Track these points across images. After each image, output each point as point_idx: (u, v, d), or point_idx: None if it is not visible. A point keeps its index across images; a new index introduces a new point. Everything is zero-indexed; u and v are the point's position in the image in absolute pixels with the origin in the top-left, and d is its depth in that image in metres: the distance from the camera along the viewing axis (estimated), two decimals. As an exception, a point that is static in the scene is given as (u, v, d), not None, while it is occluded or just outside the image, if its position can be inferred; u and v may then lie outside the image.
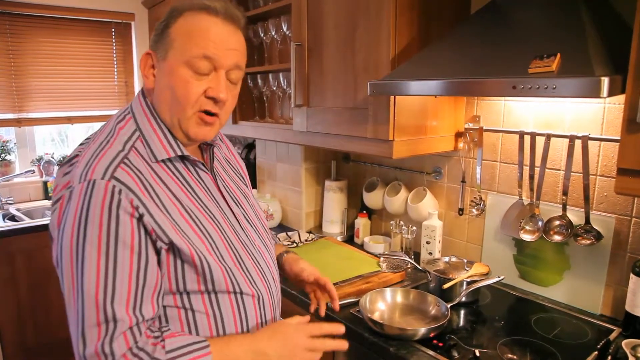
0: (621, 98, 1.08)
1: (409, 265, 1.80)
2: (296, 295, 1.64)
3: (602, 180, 1.46)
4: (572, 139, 1.45)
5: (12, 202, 2.96)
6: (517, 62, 1.13)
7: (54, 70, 3.12)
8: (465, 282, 1.55)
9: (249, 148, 2.84)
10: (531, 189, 1.58)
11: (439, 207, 1.94)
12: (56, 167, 3.15)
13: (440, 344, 1.32)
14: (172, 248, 0.88)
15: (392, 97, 1.51)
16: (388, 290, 1.55)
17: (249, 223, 1.08)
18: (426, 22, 1.58)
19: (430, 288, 1.62)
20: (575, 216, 1.50)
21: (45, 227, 2.60)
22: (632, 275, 1.34)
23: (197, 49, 0.90)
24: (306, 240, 2.16)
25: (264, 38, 2.25)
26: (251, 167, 2.69)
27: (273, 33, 2.18)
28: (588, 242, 1.46)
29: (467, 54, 1.33)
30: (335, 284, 1.63)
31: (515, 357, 1.28)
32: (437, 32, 1.61)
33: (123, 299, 0.82)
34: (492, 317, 1.50)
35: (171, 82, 0.92)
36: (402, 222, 2.01)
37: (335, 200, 2.28)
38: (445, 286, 1.53)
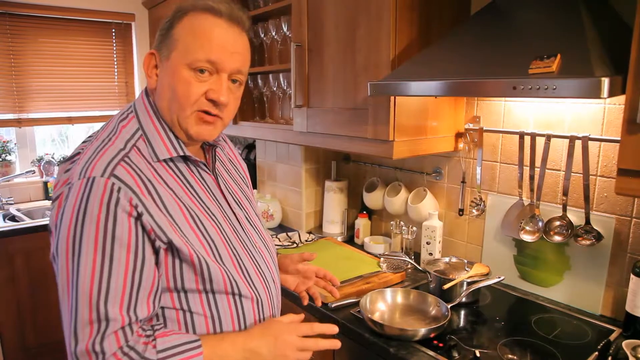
0: (621, 98, 1.08)
1: (409, 266, 1.80)
2: (297, 297, 1.64)
3: (602, 180, 1.46)
4: (572, 139, 1.45)
5: (13, 202, 2.96)
6: (517, 62, 1.13)
7: (55, 71, 3.12)
8: (465, 283, 1.55)
9: (249, 148, 2.85)
10: (531, 190, 1.58)
11: (439, 207, 1.94)
12: (56, 168, 3.15)
13: (441, 345, 1.32)
14: (171, 247, 0.88)
15: (392, 98, 1.52)
16: (388, 291, 1.55)
17: (250, 224, 1.08)
18: (426, 22, 1.58)
19: (431, 288, 1.62)
20: (575, 217, 1.50)
21: (45, 228, 2.60)
22: (632, 275, 1.34)
23: (201, 53, 0.90)
24: (306, 241, 2.16)
25: (264, 38, 2.25)
26: (251, 167, 2.69)
27: (273, 33, 2.18)
28: (588, 242, 1.46)
29: (467, 54, 1.33)
30: (335, 284, 1.63)
31: (515, 357, 1.28)
32: (437, 33, 1.61)
33: (117, 299, 0.81)
34: (492, 317, 1.50)
35: (173, 82, 0.92)
36: (402, 223, 2.01)
37: (335, 201, 2.28)
38: (446, 287, 1.53)
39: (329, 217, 2.30)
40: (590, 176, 1.46)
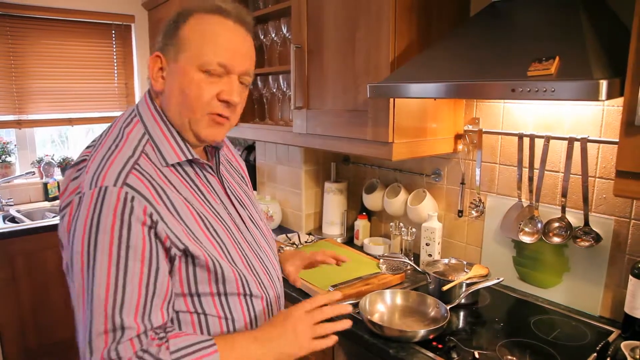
0: (620, 100, 1.08)
1: (409, 267, 1.80)
2: (297, 297, 1.65)
3: (601, 182, 1.46)
4: (571, 141, 1.46)
5: (13, 203, 2.96)
6: (516, 64, 1.13)
7: (55, 72, 3.13)
8: (464, 284, 1.55)
9: (248, 150, 2.85)
10: (530, 191, 1.59)
11: (438, 208, 1.94)
12: (56, 169, 3.15)
13: (440, 346, 1.32)
14: (186, 254, 0.88)
15: (391, 100, 1.52)
16: (388, 292, 1.55)
17: (253, 223, 1.09)
18: (426, 24, 1.58)
19: (430, 290, 1.63)
20: (574, 218, 1.51)
21: (45, 229, 2.60)
22: (631, 277, 1.34)
23: (211, 55, 0.90)
24: (306, 242, 2.16)
25: (264, 40, 2.25)
26: (251, 168, 2.69)
27: (273, 35, 2.19)
28: (587, 244, 1.46)
29: (466, 56, 1.34)
30: (334, 285, 1.64)
31: (514, 358, 1.28)
32: (437, 35, 1.61)
33: (132, 308, 0.81)
34: (491, 318, 1.51)
35: (183, 84, 0.91)
36: (401, 224, 2.01)
37: (335, 202, 2.28)
38: (445, 288, 1.53)
39: (328, 219, 2.30)
40: (589, 178, 1.47)
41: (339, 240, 2.24)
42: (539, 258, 1.64)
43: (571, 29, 1.16)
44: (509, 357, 1.28)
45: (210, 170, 1.02)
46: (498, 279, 1.54)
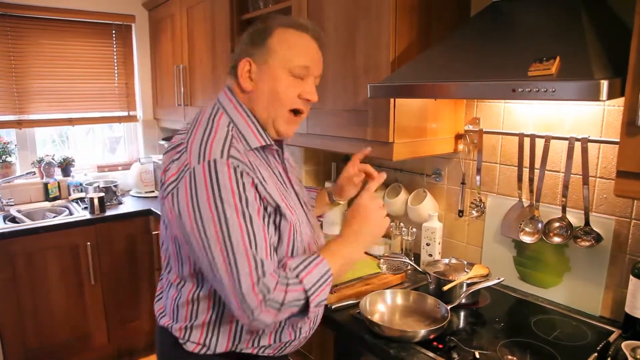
0: (621, 100, 1.08)
1: (409, 267, 1.80)
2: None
3: (601, 182, 1.46)
4: (571, 141, 1.45)
5: (13, 203, 2.96)
6: (516, 64, 1.13)
7: (55, 72, 3.13)
8: (465, 284, 1.55)
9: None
10: (531, 191, 1.59)
11: (439, 208, 1.94)
12: (57, 169, 3.15)
13: (440, 346, 1.32)
14: (276, 211, 1.07)
15: (392, 100, 1.52)
16: (388, 292, 1.55)
17: (304, 205, 1.26)
18: (426, 24, 1.58)
19: (430, 290, 1.62)
20: (575, 218, 1.51)
21: (45, 229, 2.60)
22: (631, 277, 1.34)
23: (299, 59, 1.11)
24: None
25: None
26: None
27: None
28: (588, 243, 1.46)
29: (466, 56, 1.34)
30: (335, 286, 1.64)
31: (515, 358, 1.28)
32: (437, 35, 1.61)
33: (264, 249, 1.00)
34: (492, 318, 1.50)
35: (274, 84, 1.11)
36: (402, 224, 2.01)
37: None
38: (445, 288, 1.53)
39: (329, 218, 2.30)
40: (590, 177, 1.47)
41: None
42: (539, 258, 1.64)
43: (572, 29, 1.16)
44: (510, 357, 1.28)
45: (278, 156, 1.21)
46: (498, 279, 1.54)
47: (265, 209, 1.06)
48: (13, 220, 2.77)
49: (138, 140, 3.61)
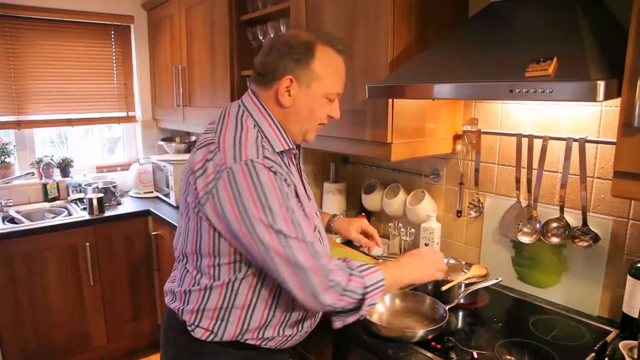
0: (618, 101, 1.08)
1: (408, 267, 1.80)
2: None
3: (599, 182, 1.47)
4: (569, 141, 1.46)
5: (12, 204, 2.96)
6: (514, 65, 1.14)
7: (54, 73, 3.13)
8: (463, 284, 1.55)
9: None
10: (529, 191, 1.59)
11: (437, 209, 1.94)
12: (56, 169, 3.15)
13: (439, 346, 1.32)
14: (302, 210, 1.14)
15: (390, 100, 1.52)
16: (387, 292, 1.55)
17: (317, 214, 1.32)
18: (424, 25, 1.59)
19: (429, 290, 1.63)
20: (572, 218, 1.51)
21: (44, 229, 2.60)
22: (629, 277, 1.34)
23: (336, 88, 1.21)
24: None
25: (263, 41, 2.25)
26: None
27: (272, 36, 2.19)
28: (585, 244, 1.47)
29: (464, 57, 1.34)
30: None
31: (513, 358, 1.29)
32: (435, 36, 1.61)
33: (311, 237, 1.09)
34: (490, 318, 1.51)
35: (312, 105, 1.20)
36: (400, 224, 2.01)
37: (334, 202, 2.28)
38: (444, 288, 1.54)
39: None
40: (588, 178, 1.47)
41: (338, 240, 2.23)
42: (537, 258, 1.64)
43: (569, 30, 1.16)
44: (508, 357, 1.29)
45: (294, 159, 1.29)
46: (497, 279, 1.55)
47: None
48: (12, 221, 2.77)
49: (137, 141, 3.61)
